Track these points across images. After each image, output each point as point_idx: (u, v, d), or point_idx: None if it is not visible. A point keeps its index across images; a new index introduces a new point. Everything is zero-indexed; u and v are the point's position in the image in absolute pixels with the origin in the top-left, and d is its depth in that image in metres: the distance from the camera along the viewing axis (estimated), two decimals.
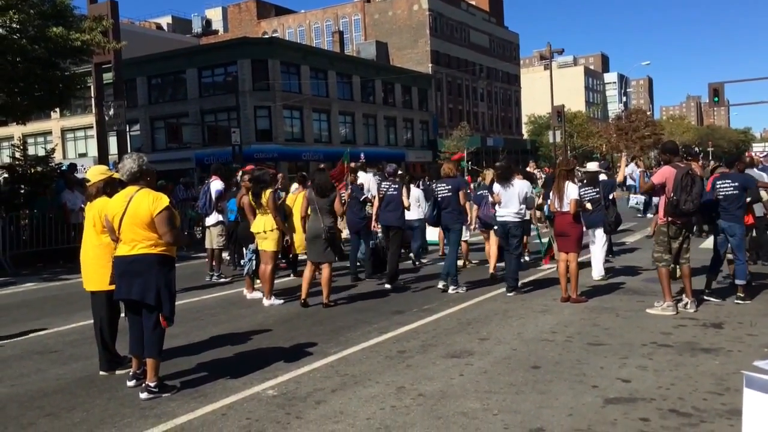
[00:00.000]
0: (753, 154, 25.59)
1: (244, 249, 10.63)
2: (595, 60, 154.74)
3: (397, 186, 10.48)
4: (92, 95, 23.20)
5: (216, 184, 11.76)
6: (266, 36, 63.17)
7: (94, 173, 6.04)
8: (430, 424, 4.44)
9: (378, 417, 4.61)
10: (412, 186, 11.49)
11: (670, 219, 7.58)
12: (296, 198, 10.60)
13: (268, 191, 8.94)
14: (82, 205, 15.93)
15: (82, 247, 6.01)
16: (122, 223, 5.18)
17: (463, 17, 68.99)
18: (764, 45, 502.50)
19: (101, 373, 5.96)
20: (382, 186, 10.68)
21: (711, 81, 44.42)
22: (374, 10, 65.85)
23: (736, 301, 8.08)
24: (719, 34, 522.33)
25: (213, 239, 11.68)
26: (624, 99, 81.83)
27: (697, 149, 11.43)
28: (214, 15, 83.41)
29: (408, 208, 10.60)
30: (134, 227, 5.15)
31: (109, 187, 5.89)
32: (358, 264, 11.21)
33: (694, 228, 8.99)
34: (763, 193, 10.93)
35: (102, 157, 22.06)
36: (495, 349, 6.33)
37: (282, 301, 9.19)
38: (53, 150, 19.69)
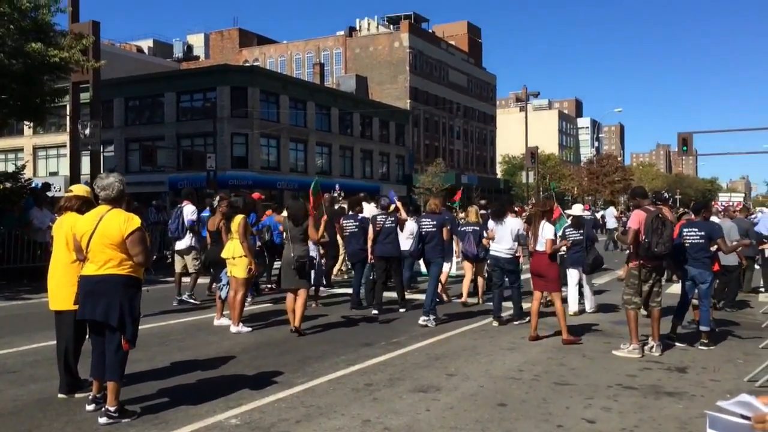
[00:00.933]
0: (718, 203, 26.17)
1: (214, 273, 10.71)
2: (569, 104, 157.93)
3: (393, 219, 10.81)
4: (68, 113, 22.97)
5: (188, 209, 11.70)
6: (247, 64, 63.43)
7: (75, 189, 6.06)
8: None
9: None
10: (409, 219, 11.78)
11: (641, 262, 7.70)
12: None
13: (239, 217, 8.93)
14: (50, 224, 15.75)
15: (51, 264, 5.88)
16: (91, 242, 5.10)
17: (442, 56, 70.19)
18: (732, 98, 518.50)
19: (60, 395, 5.80)
20: (378, 219, 10.84)
21: (680, 131, 45.59)
22: (356, 45, 66.70)
23: (700, 347, 8.19)
24: (690, 86, 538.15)
25: (187, 263, 11.64)
26: (596, 144, 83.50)
27: (666, 195, 11.81)
28: (196, 41, 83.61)
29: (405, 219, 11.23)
30: (103, 247, 5.07)
31: (85, 206, 5.79)
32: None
33: (665, 273, 9.11)
34: (735, 243, 11.19)
35: (74, 176, 21.76)
36: (462, 385, 6.32)
37: (250, 329, 9.09)
38: (23, 167, 19.41)
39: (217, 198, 11.36)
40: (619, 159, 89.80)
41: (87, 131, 20.49)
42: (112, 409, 5.07)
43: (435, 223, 10.13)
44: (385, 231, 10.70)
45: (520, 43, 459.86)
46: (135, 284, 5.24)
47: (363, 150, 54.39)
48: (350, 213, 11.95)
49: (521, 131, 46.82)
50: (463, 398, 5.86)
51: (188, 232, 11.58)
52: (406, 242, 11.62)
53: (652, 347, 7.80)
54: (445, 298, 11.98)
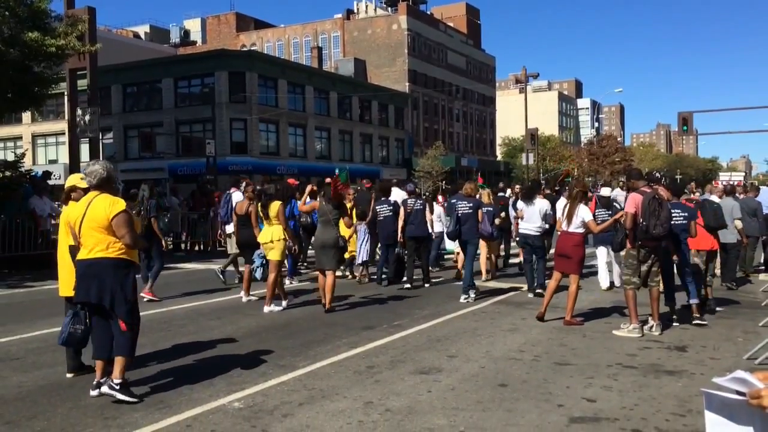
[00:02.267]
0: (719, 182, 26.16)
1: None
2: (569, 85, 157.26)
3: (422, 202, 12.06)
4: (65, 101, 22.88)
5: (236, 196, 12.40)
6: (245, 49, 63.11)
7: (71, 180, 6.13)
8: None
9: (345, 431, 4.60)
10: (434, 203, 13.36)
11: (639, 243, 7.72)
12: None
13: (277, 203, 9.40)
14: (50, 213, 15.80)
15: (58, 252, 5.99)
16: (81, 227, 5.23)
17: (441, 38, 69.80)
18: (733, 77, 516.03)
19: (68, 375, 5.94)
20: (409, 202, 11.91)
21: (681, 110, 45.46)
22: (353, 28, 66.33)
23: (693, 322, 8.24)
24: (690, 65, 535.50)
25: (232, 245, 12.43)
26: (596, 124, 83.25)
27: (658, 174, 11.82)
28: (193, 26, 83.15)
29: (431, 223, 12.36)
30: (92, 231, 5.21)
31: (74, 194, 5.87)
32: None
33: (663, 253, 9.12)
34: (737, 222, 11.24)
35: (73, 164, 21.73)
36: (463, 366, 6.36)
37: (281, 307, 9.48)
38: (23, 155, 19.38)
39: (243, 184, 12.11)
40: (619, 140, 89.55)
41: (86, 118, 20.42)
42: (115, 381, 5.16)
43: (471, 205, 10.64)
44: (415, 213, 11.72)
45: (519, 24, 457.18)
46: (126, 266, 5.31)
47: (362, 134, 54.26)
48: (382, 199, 12.59)
49: (521, 113, 46.69)
50: (464, 379, 5.90)
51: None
52: (436, 225, 13.23)
53: (651, 326, 7.84)
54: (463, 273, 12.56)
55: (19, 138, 47.15)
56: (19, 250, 14.80)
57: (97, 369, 5.41)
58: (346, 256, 11.67)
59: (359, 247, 12.52)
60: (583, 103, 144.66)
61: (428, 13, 74.17)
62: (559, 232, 8.68)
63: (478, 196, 11.33)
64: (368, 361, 6.58)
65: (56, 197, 20.64)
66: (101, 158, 24.76)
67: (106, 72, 35.11)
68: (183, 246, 19.85)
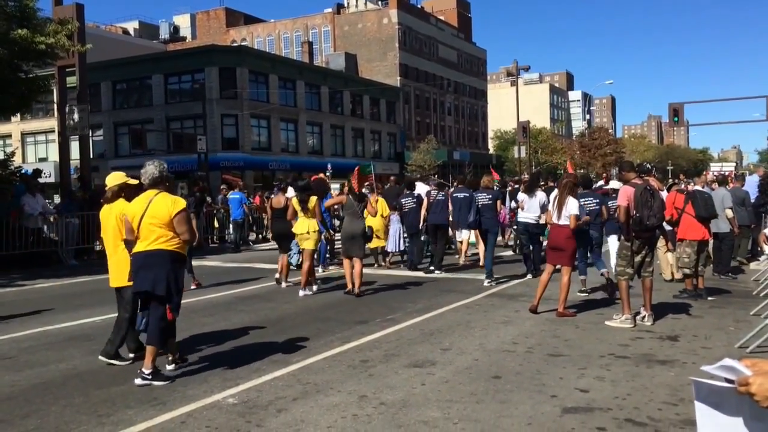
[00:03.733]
0: (710, 173, 26.29)
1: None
2: (560, 78, 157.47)
3: (443, 194, 12.92)
4: (55, 99, 22.74)
5: (290, 192, 12.75)
6: (235, 44, 62.86)
7: (113, 179, 6.58)
8: None
9: (339, 425, 4.61)
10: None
11: (633, 234, 7.76)
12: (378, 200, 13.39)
13: (314, 198, 10.30)
14: (41, 210, 15.75)
15: (106, 247, 6.50)
16: (141, 222, 5.68)
17: (431, 32, 69.69)
18: (723, 68, 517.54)
19: (130, 355, 6.42)
20: (432, 193, 13.00)
21: (671, 101, 45.55)
22: (344, 22, 66.11)
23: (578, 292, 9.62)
24: (680, 57, 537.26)
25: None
26: (587, 117, 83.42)
27: (649, 165, 12.10)
28: (182, 21, 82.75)
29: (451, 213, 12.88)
30: (153, 226, 5.66)
31: (124, 192, 6.46)
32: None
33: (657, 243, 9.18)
34: (728, 211, 11.30)
35: (63, 162, 21.61)
36: (457, 359, 6.38)
37: (313, 291, 10.44)
38: (13, 153, 19.28)
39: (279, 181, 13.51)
40: (610, 131, 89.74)
41: (75, 116, 20.30)
42: (146, 371, 5.59)
43: (491, 197, 11.73)
44: (437, 203, 12.74)
45: (510, 16, 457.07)
46: (180, 259, 5.82)
47: (354, 128, 54.18)
48: (407, 192, 13.77)
49: (512, 106, 46.71)
50: (458, 372, 5.92)
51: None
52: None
53: (644, 317, 7.89)
54: (461, 261, 14.06)
55: (8, 136, 46.85)
56: (9, 249, 14.71)
57: (146, 356, 5.72)
58: (374, 245, 13.19)
59: (392, 237, 13.96)
60: (575, 95, 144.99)
61: (419, 6, 73.96)
62: (549, 225, 8.70)
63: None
64: (362, 355, 6.59)
65: (47, 195, 20.57)
66: (91, 156, 24.65)
67: (95, 69, 34.89)
68: None
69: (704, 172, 29.08)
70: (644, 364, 6.09)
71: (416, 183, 14.77)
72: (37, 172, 17.79)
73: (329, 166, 38.22)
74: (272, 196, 13.51)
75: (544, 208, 10.99)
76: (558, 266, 8.50)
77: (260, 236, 22.47)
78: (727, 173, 27.67)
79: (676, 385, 5.41)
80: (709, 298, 9.43)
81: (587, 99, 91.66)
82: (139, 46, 58.22)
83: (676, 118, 33.19)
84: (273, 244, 20.93)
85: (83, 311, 9.31)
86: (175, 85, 44.41)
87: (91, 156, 27.79)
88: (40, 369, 6.26)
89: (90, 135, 25.93)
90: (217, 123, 41.45)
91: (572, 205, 8.32)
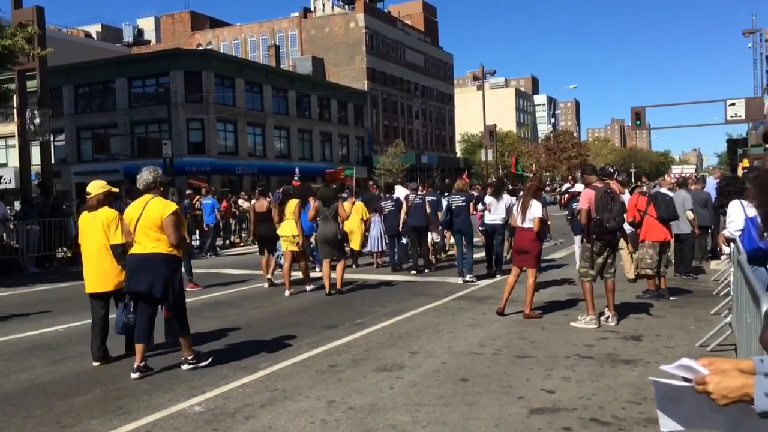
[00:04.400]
0: (671, 176, 26.85)
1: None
2: (526, 82, 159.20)
3: (421, 197, 13.40)
4: (15, 102, 22.24)
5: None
6: (200, 48, 62.21)
7: (95, 187, 6.72)
8: None
9: (308, 431, 4.59)
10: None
11: (595, 236, 7.89)
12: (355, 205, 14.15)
13: (294, 202, 10.86)
14: (2, 217, 15.37)
15: (84, 252, 6.66)
16: (137, 226, 5.95)
17: (398, 36, 69.93)
18: (684, 72, 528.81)
19: (94, 364, 6.51)
20: (410, 197, 13.61)
21: (634, 105, 46.40)
22: (311, 26, 66.00)
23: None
24: (642, 61, 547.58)
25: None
26: (553, 120, 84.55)
27: (611, 169, 12.52)
28: (147, 25, 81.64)
29: (430, 216, 13.44)
30: (147, 229, 5.93)
31: (108, 200, 6.74)
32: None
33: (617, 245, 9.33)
34: (689, 213, 11.55)
35: (24, 168, 21.14)
36: (425, 362, 6.41)
37: (291, 291, 10.83)
38: None
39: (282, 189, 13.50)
40: (575, 135, 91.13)
41: (36, 121, 19.89)
42: (189, 357, 6.18)
43: (464, 199, 12.07)
44: (415, 207, 13.26)
45: (476, 21, 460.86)
46: (175, 261, 6.06)
47: (322, 132, 54.03)
48: (386, 196, 14.41)
49: (479, 110, 47.11)
50: (426, 375, 5.94)
51: None
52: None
53: (608, 318, 8.01)
54: (433, 260, 14.43)
55: None
56: None
57: (138, 352, 6.02)
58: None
59: (372, 238, 14.83)
60: (540, 99, 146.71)
61: (385, 11, 74.21)
62: (515, 228, 8.80)
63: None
64: (330, 360, 6.58)
65: (8, 201, 20.09)
66: (53, 161, 24.12)
67: (56, 72, 34.23)
68: None
69: (666, 175, 29.67)
70: (608, 364, 6.19)
71: (395, 187, 15.34)
72: None
73: (297, 170, 37.83)
74: (254, 200, 13.60)
75: (509, 211, 11.43)
76: (524, 268, 8.59)
77: (227, 241, 22.28)
78: (687, 175, 28.25)
79: (639, 384, 5.50)
80: (671, 298, 9.62)
81: (552, 103, 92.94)
82: (102, 49, 57.25)
83: (638, 122, 33.80)
84: (240, 250, 20.81)
85: (45, 320, 9.12)
86: (139, 89, 43.78)
87: (53, 161, 27.22)
88: (0, 380, 6.11)
89: (51, 140, 25.42)
90: (182, 127, 40.96)
91: (536, 208, 8.45)
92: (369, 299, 10.32)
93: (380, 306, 9.61)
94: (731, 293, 7.05)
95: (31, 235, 15.99)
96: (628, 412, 4.85)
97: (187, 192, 23.04)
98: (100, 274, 6.53)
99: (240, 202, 24.21)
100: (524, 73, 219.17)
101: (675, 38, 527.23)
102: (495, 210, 12.26)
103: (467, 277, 11.82)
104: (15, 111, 22.77)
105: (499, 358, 6.49)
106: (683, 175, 29.36)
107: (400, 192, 14.71)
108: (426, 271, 13.30)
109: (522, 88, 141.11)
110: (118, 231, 6.48)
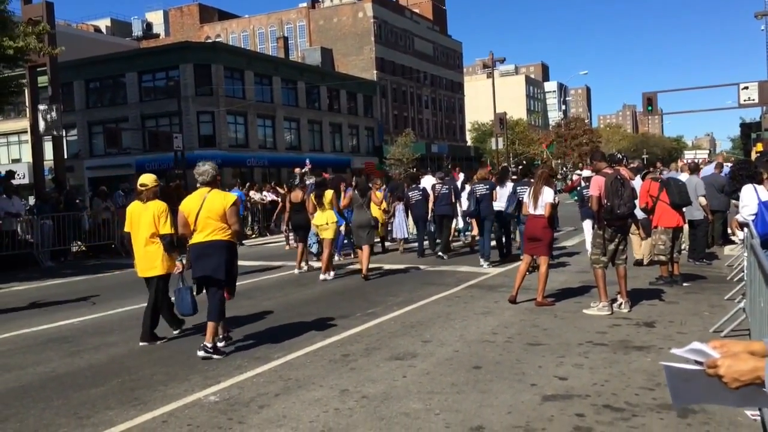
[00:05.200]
0: (684, 160, 26.66)
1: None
2: (536, 69, 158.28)
3: (447, 187, 14.01)
4: (27, 98, 22.38)
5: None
6: (209, 40, 62.26)
7: (150, 180, 7.30)
8: (372, 425, 4.49)
9: (321, 420, 4.63)
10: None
11: (606, 223, 7.86)
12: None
13: (330, 192, 11.43)
14: (13, 211, 15.51)
15: (135, 241, 7.22)
16: (198, 216, 6.41)
17: (407, 25, 69.64)
18: (696, 57, 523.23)
19: (141, 343, 7.03)
20: (436, 186, 14.25)
21: (645, 90, 46.04)
22: (319, 17, 65.85)
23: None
24: (654, 46, 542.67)
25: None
26: (563, 107, 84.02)
27: (619, 155, 12.62)
28: (155, 18, 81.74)
29: (455, 204, 14.14)
30: (209, 219, 6.39)
31: (161, 192, 7.45)
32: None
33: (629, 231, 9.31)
34: (701, 198, 11.48)
35: (37, 163, 21.33)
36: (438, 350, 6.43)
37: (331, 277, 11.39)
38: None
39: (298, 178, 14.84)
40: (586, 121, 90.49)
41: (48, 117, 20.02)
42: (208, 345, 6.39)
43: (488, 187, 12.60)
44: (441, 196, 13.93)
45: (484, 8, 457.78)
46: (233, 247, 6.57)
47: (332, 123, 54.01)
48: (413, 185, 15.07)
49: (489, 98, 46.89)
50: (439, 363, 5.96)
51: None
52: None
53: (620, 304, 7.99)
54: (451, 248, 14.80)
55: None
56: None
57: (209, 332, 6.45)
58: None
59: (397, 225, 15.59)
60: (550, 86, 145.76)
61: (393, 0, 73.89)
62: (526, 216, 8.78)
63: (476, 178, 13.19)
64: (343, 349, 6.61)
65: (22, 196, 20.27)
66: (65, 156, 24.29)
67: (67, 68, 34.42)
68: None
69: (678, 160, 29.44)
70: (621, 351, 6.18)
71: (424, 177, 16.28)
72: (11, 174, 17.53)
73: (308, 161, 37.87)
74: (291, 191, 14.61)
75: (512, 198, 11.85)
76: (535, 256, 8.59)
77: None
78: (700, 160, 28.00)
79: (652, 370, 5.49)
80: (685, 284, 9.57)
81: (563, 90, 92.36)
82: (111, 43, 57.43)
83: (650, 107, 33.53)
84: (252, 241, 20.88)
85: (60, 313, 9.21)
86: (149, 82, 43.92)
87: (66, 156, 27.42)
88: (18, 372, 6.19)
89: (64, 135, 25.61)
90: (193, 120, 41.10)
91: (548, 194, 8.44)
92: (381, 289, 10.35)
93: (392, 295, 9.64)
94: (745, 278, 7.00)
95: (45, 229, 16.14)
96: (641, 398, 4.84)
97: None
98: (149, 260, 7.13)
99: (251, 194, 24.25)
100: (534, 60, 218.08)
101: (686, 22, 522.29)
102: (500, 197, 12.47)
103: (485, 264, 12.23)
104: (27, 107, 22.94)
105: (511, 346, 6.50)
106: (695, 160, 29.14)
107: (428, 182, 15.45)
108: (444, 257, 13.70)
109: (532, 76, 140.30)
110: (168, 222, 7.10)
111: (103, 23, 76.48)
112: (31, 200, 24.45)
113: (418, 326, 7.56)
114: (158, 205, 7.14)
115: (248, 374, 5.81)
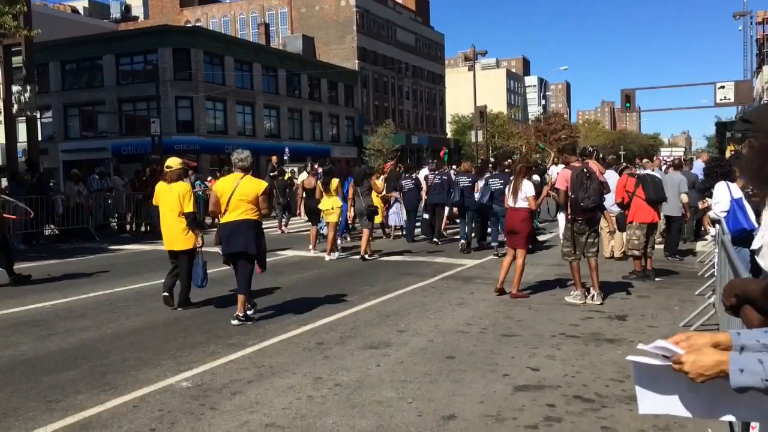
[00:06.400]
0: (660, 158, 26.97)
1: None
2: (517, 63, 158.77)
3: (440, 177, 14.69)
4: (0, 79, 21.94)
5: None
6: (189, 25, 61.49)
7: (175, 162, 8.09)
8: (345, 413, 4.50)
9: (294, 406, 4.63)
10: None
11: (573, 216, 8.04)
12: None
13: (336, 180, 12.46)
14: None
15: (163, 218, 8.00)
16: (231, 198, 7.10)
17: (390, 15, 69.36)
18: (674, 55, 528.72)
19: (179, 309, 7.94)
20: (430, 177, 15.39)
21: (624, 87, 46.37)
22: (301, 4, 65.29)
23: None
24: (633, 43, 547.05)
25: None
26: (543, 102, 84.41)
27: (591, 149, 12.98)
28: (134, 1, 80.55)
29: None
30: (241, 202, 7.09)
31: (185, 174, 8.38)
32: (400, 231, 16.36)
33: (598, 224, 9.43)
34: (683, 195, 11.64)
35: (10, 144, 20.95)
36: (412, 340, 6.45)
37: (336, 257, 12.47)
38: None
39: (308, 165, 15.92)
40: (565, 117, 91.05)
41: (22, 97, 19.66)
42: (240, 314, 7.13)
43: (470, 179, 13.68)
44: (435, 185, 14.70)
45: (467, 1, 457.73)
46: (260, 226, 7.33)
47: (312, 112, 53.73)
48: (406, 175, 15.89)
49: (470, 90, 46.94)
50: (413, 353, 5.99)
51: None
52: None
53: (593, 296, 8.10)
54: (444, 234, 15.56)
55: None
56: None
57: (239, 303, 7.16)
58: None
59: (392, 213, 16.29)
60: (531, 80, 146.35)
61: None
62: (507, 209, 8.85)
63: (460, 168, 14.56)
64: (318, 337, 6.61)
65: None
66: (39, 137, 23.86)
67: (43, 48, 33.77)
68: (128, 227, 19.45)
69: (655, 157, 29.78)
70: (593, 343, 6.26)
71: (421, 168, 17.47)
72: None
73: (287, 149, 37.89)
74: (303, 177, 16.06)
75: (484, 189, 12.58)
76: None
77: (215, 220, 22.18)
78: (676, 157, 28.34)
79: (623, 362, 5.56)
80: (657, 279, 9.70)
81: (543, 84, 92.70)
82: (89, 25, 56.42)
83: (628, 104, 33.82)
84: None
85: (31, 296, 9.08)
86: (127, 66, 43.28)
87: (40, 138, 26.95)
88: (13, 349, 6.11)
89: (38, 117, 25.16)
90: (171, 105, 40.63)
91: (528, 188, 8.54)
92: (358, 278, 10.35)
93: (369, 285, 9.65)
94: (716, 274, 7.11)
95: (18, 212, 15.85)
96: (611, 389, 4.91)
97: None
98: (174, 235, 7.91)
99: None
100: (516, 53, 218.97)
101: (666, 20, 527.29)
102: (480, 190, 12.93)
103: (460, 248, 13.25)
104: (1, 87, 22.49)
105: (485, 337, 6.54)
106: (671, 157, 29.46)
107: (423, 172, 16.71)
108: (438, 243, 14.46)
109: (513, 69, 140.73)
110: (191, 201, 7.94)
111: (81, 4, 75.16)
112: (3, 182, 24.02)
113: (394, 316, 7.58)
114: (182, 186, 7.94)
115: (221, 360, 5.78)
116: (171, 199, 7.87)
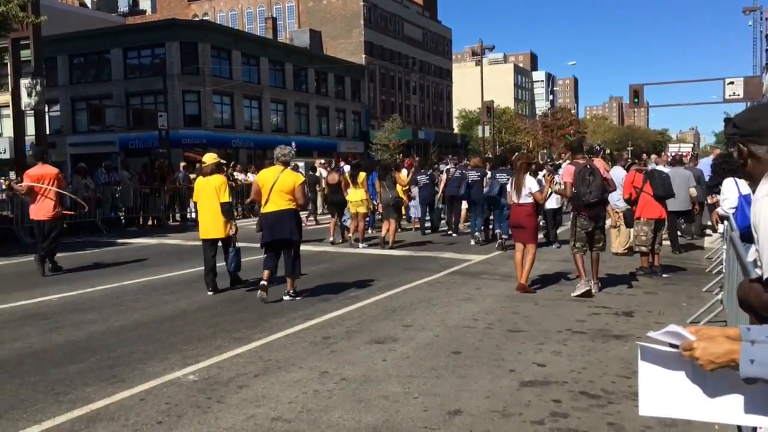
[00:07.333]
0: (668, 154, 26.86)
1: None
2: (525, 58, 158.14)
3: (461, 171, 15.16)
4: (9, 72, 22.00)
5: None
6: (197, 19, 61.48)
7: (210, 158, 8.76)
8: (351, 407, 4.50)
9: (300, 401, 4.63)
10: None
11: (577, 211, 8.15)
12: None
13: (363, 174, 13.37)
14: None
15: (200, 208, 8.69)
16: (272, 190, 7.84)
17: (397, 10, 69.17)
18: (682, 50, 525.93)
19: (208, 293, 8.53)
20: (450, 170, 16.40)
21: (632, 83, 46.16)
22: None
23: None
24: (642, 38, 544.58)
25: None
26: (551, 97, 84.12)
27: (597, 147, 13.36)
28: None
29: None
30: (281, 193, 7.85)
31: (219, 168, 8.88)
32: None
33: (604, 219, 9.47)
34: (692, 190, 11.61)
35: (18, 138, 21.04)
36: (418, 335, 6.45)
37: (366, 245, 13.24)
38: None
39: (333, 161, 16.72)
40: (573, 112, 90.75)
41: (34, 89, 19.71)
42: (291, 292, 8.13)
43: (479, 174, 14.08)
44: (454, 179, 15.09)
45: None
46: (299, 215, 8.17)
47: (319, 106, 53.70)
48: (422, 170, 16.42)
49: (477, 85, 46.75)
50: (419, 348, 5.99)
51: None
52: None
53: (588, 280, 8.27)
54: (461, 227, 16.11)
55: None
56: None
57: (288, 282, 8.15)
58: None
59: (412, 206, 17.09)
60: (538, 75, 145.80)
61: None
62: (510, 204, 8.88)
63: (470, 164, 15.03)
64: (324, 332, 6.62)
65: (2, 172, 20.00)
66: (47, 131, 23.97)
67: (51, 42, 33.86)
68: (136, 221, 19.51)
69: (663, 153, 29.65)
70: (600, 339, 6.24)
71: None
72: None
73: (293, 144, 37.86)
74: (327, 174, 16.75)
75: (491, 183, 13.04)
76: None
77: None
78: (684, 154, 28.22)
79: (629, 358, 5.55)
80: (664, 276, 9.67)
81: (551, 79, 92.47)
82: (97, 19, 56.39)
83: (636, 100, 33.65)
84: (241, 223, 20.74)
85: (39, 289, 9.13)
86: (134, 60, 43.35)
87: (48, 132, 27.05)
88: (10, 344, 6.14)
89: (46, 110, 25.24)
90: (178, 99, 40.67)
91: (531, 183, 8.60)
92: (364, 273, 10.34)
93: (375, 280, 9.64)
94: (723, 270, 7.09)
95: (26, 205, 15.92)
96: (617, 385, 4.90)
97: (182, 164, 22.96)
98: (212, 224, 8.48)
99: (236, 174, 24.10)
100: (523, 48, 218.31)
101: (675, 15, 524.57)
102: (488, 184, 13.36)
103: (472, 242, 13.70)
104: (10, 80, 22.56)
105: (491, 332, 6.54)
106: (680, 153, 29.34)
107: (445, 167, 17.70)
108: (454, 235, 15.23)
109: (521, 64, 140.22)
110: (226, 192, 8.53)
111: None
112: (12, 175, 24.14)
113: (400, 311, 7.58)
114: (218, 179, 8.55)
115: (228, 354, 5.80)
116: (208, 190, 8.52)
